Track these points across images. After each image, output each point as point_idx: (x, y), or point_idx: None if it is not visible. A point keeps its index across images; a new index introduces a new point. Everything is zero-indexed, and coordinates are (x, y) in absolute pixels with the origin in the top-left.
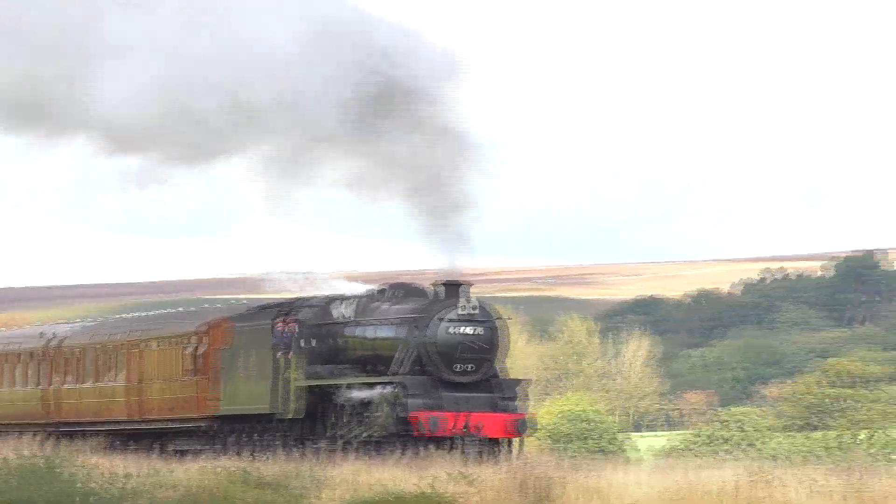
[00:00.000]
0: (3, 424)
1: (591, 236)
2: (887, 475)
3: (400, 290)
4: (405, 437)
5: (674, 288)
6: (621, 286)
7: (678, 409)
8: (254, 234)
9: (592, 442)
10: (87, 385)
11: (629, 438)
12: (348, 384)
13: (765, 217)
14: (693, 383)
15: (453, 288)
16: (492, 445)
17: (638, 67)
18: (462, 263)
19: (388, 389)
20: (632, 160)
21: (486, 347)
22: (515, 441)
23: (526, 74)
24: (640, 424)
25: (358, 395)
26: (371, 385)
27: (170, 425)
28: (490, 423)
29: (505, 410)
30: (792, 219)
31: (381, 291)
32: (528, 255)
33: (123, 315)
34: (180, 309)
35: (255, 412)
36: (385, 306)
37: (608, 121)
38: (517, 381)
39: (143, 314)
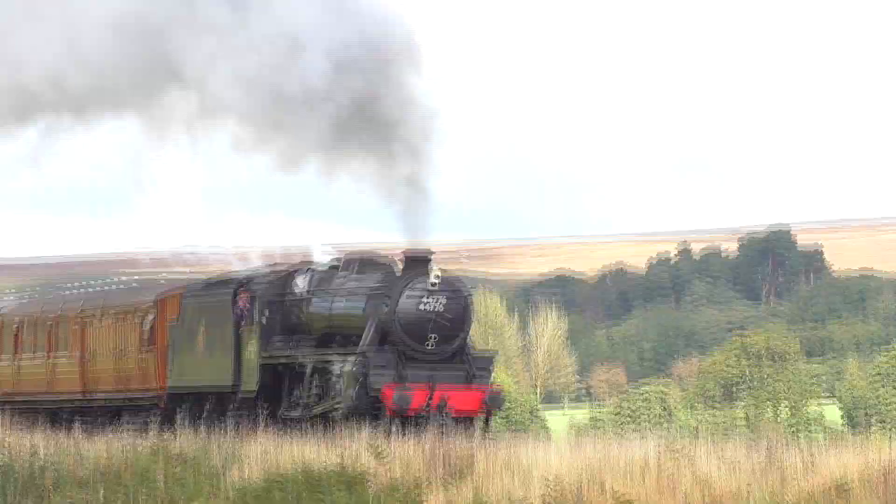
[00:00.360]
0: None
1: (497, 212)
2: (797, 448)
3: (357, 262)
4: (373, 414)
5: (585, 265)
6: (533, 264)
7: (591, 385)
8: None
9: (513, 416)
10: (27, 360)
11: (545, 414)
12: (309, 359)
13: (672, 193)
14: (605, 359)
15: (417, 260)
16: (465, 422)
17: (538, 44)
18: (425, 234)
19: (352, 365)
20: (540, 135)
21: (458, 320)
22: (478, 419)
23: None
24: (556, 400)
25: (321, 369)
26: (334, 360)
27: (115, 401)
28: (463, 399)
29: (477, 386)
30: (698, 195)
31: (339, 263)
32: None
33: (68, 289)
34: (126, 283)
35: (213, 388)
36: (344, 279)
37: (519, 95)
38: (488, 355)
39: (89, 289)
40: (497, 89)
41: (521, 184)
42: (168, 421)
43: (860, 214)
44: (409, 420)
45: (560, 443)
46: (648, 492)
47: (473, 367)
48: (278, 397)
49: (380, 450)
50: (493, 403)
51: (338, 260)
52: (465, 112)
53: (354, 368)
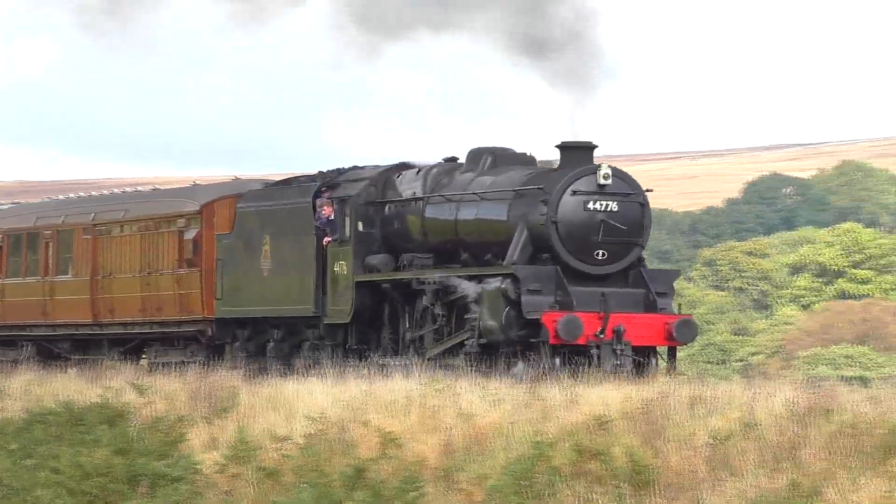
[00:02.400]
0: None
1: None
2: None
3: (488, 156)
4: (525, 345)
5: None
6: None
7: None
8: None
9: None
10: (14, 283)
11: None
12: (433, 278)
13: None
14: None
15: (577, 152)
16: (642, 356)
17: None
18: (586, 117)
19: (499, 283)
20: None
21: (634, 227)
22: (661, 351)
23: None
24: None
25: (457, 290)
26: (468, 279)
27: (139, 333)
28: (644, 327)
29: (659, 310)
30: None
31: (454, 160)
32: None
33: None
34: (151, 188)
35: (287, 314)
36: (475, 178)
37: None
38: (670, 273)
39: (98, 193)
40: None
41: None
42: (215, 355)
43: None
44: (574, 352)
45: (325, 379)
46: (413, 426)
47: (653, 287)
48: (375, 327)
49: (141, 385)
50: (682, 334)
51: (451, 158)
52: None
53: (503, 287)
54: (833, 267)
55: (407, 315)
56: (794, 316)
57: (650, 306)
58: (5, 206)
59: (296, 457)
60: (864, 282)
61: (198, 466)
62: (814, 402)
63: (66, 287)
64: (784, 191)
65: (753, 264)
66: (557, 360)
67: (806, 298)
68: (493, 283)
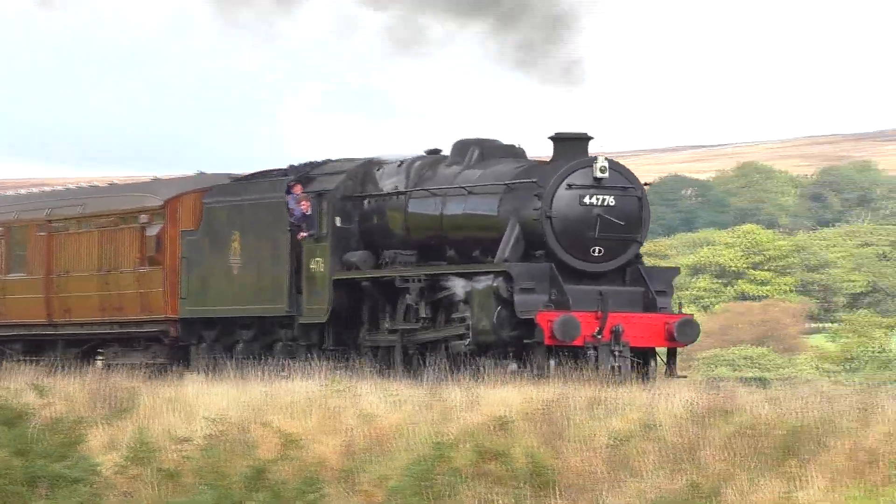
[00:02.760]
0: None
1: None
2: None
3: (475, 148)
4: (518, 346)
5: None
6: None
7: None
8: None
9: None
10: None
11: None
12: (418, 276)
13: None
14: None
15: (571, 144)
16: (641, 357)
17: None
18: (579, 107)
19: (490, 281)
20: None
21: (632, 223)
22: (659, 353)
23: None
24: None
25: (444, 289)
26: (457, 277)
27: (98, 333)
28: (643, 327)
29: (658, 309)
30: None
31: (436, 153)
32: None
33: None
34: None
35: (259, 314)
36: (462, 171)
37: None
38: (669, 270)
39: (53, 189)
40: None
41: None
42: (180, 357)
43: None
44: (569, 354)
45: (226, 381)
46: (314, 428)
47: (651, 285)
48: (353, 326)
49: (41, 386)
50: (683, 334)
51: (433, 151)
52: None
53: (495, 285)
54: (733, 268)
55: (388, 314)
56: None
57: (649, 305)
58: None
59: (196, 458)
60: (764, 283)
61: (97, 468)
62: (713, 403)
63: (19, 286)
64: (684, 192)
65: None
66: (552, 363)
67: (706, 300)
68: (484, 282)
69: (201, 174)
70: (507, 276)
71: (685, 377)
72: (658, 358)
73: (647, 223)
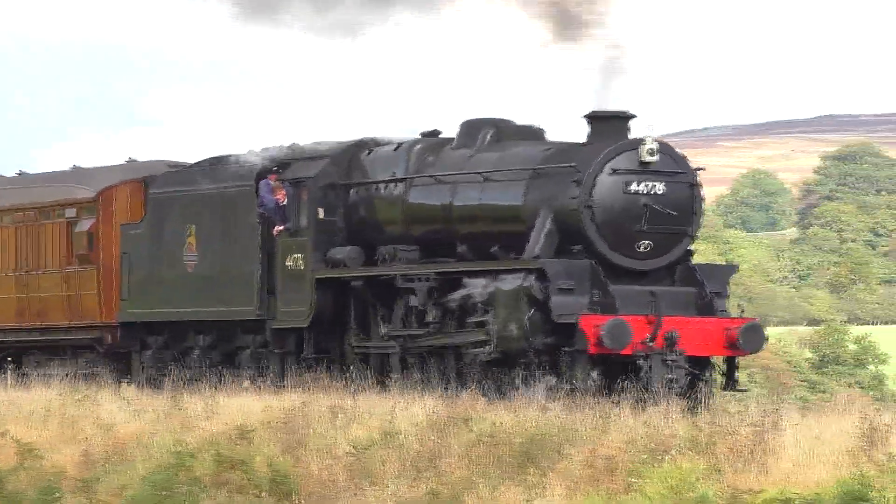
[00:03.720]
0: None
1: None
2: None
3: (489, 129)
4: (552, 355)
5: None
6: None
7: None
8: None
9: None
10: None
11: None
12: (426, 274)
13: None
14: None
15: (610, 123)
16: (697, 368)
17: None
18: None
19: (521, 280)
20: None
21: (684, 213)
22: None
23: None
24: None
25: (459, 289)
26: (487, 274)
27: (16, 341)
28: (701, 333)
29: (714, 313)
30: None
31: (435, 134)
32: None
33: None
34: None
35: (221, 317)
36: (475, 154)
37: None
38: (725, 268)
39: None
40: None
41: None
42: (117, 365)
43: None
44: (617, 363)
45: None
46: (52, 437)
47: (706, 285)
48: (336, 332)
49: None
50: (748, 341)
51: (432, 133)
52: None
53: (526, 285)
54: None
55: (381, 318)
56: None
57: (705, 308)
58: None
59: None
60: None
61: None
62: (453, 411)
63: None
64: None
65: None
66: (597, 374)
67: None
68: (512, 281)
69: (132, 161)
70: (542, 275)
71: (748, 390)
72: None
73: (701, 214)
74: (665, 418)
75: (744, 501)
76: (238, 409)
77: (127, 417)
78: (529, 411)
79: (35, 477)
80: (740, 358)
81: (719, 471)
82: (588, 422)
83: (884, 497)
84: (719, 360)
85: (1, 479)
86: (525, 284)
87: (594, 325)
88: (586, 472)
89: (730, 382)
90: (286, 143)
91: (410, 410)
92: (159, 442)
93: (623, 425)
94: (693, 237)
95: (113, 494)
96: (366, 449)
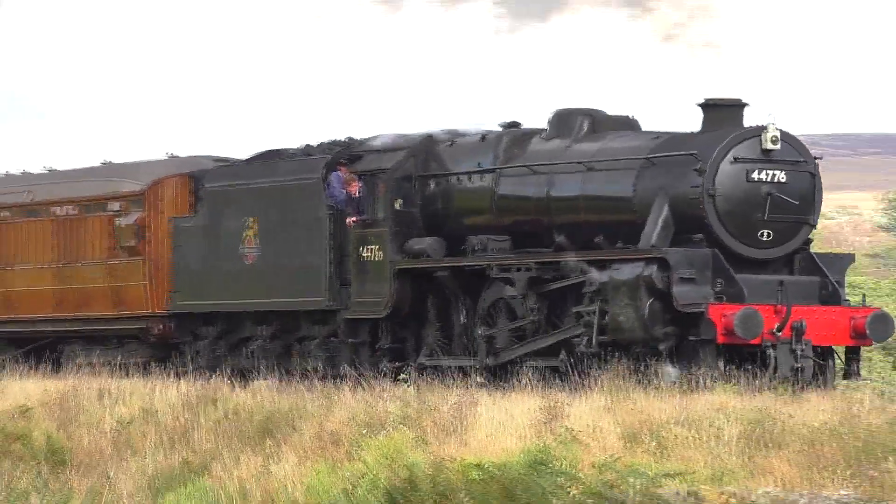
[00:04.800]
0: None
1: None
2: None
3: (585, 120)
4: (675, 343)
5: None
6: None
7: None
8: None
9: None
10: None
11: None
12: (531, 264)
13: None
14: None
15: (725, 111)
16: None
17: None
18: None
19: (640, 270)
20: None
21: (805, 202)
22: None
23: None
24: None
25: (565, 279)
26: (602, 264)
27: (56, 331)
28: (826, 322)
29: (839, 302)
30: None
31: (516, 126)
32: None
33: None
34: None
35: (287, 308)
36: (571, 145)
37: None
38: (844, 257)
39: None
40: None
41: None
42: (166, 355)
43: None
44: (741, 353)
45: None
46: None
47: (826, 274)
48: (413, 323)
49: None
50: (876, 331)
51: (512, 124)
52: None
53: (647, 274)
54: None
55: (463, 308)
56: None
57: (830, 298)
58: None
59: None
60: None
61: None
62: (202, 392)
63: None
64: None
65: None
66: (721, 363)
67: None
68: (630, 270)
69: (173, 156)
70: (663, 264)
71: (869, 380)
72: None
73: (821, 203)
74: (380, 398)
75: (446, 467)
76: (19, 390)
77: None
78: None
79: None
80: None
81: (426, 442)
82: (316, 402)
83: (561, 461)
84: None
85: None
86: (645, 273)
87: (724, 315)
88: (315, 444)
89: (851, 372)
90: (341, 138)
91: (167, 392)
92: None
93: (345, 404)
94: (813, 226)
95: None
96: (128, 425)
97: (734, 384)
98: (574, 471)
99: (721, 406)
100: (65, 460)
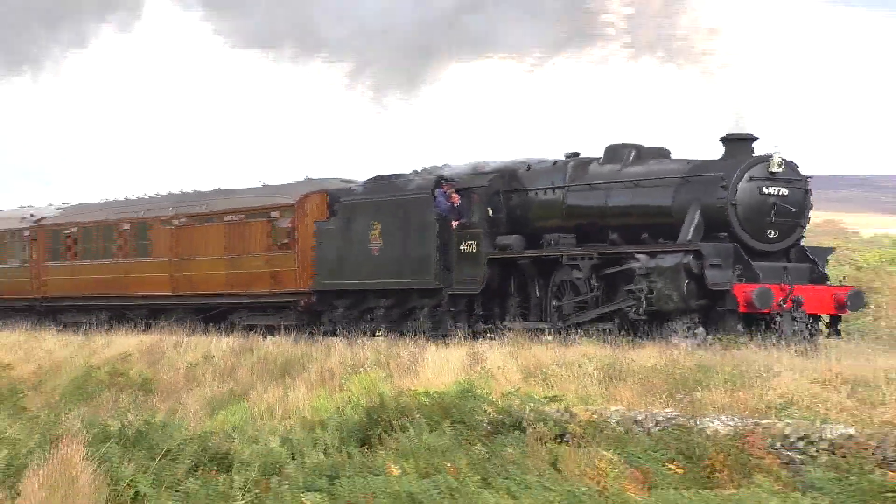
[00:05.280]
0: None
1: None
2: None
3: (632, 150)
4: (703, 313)
5: None
6: None
7: None
8: None
9: None
10: (88, 264)
11: None
12: (590, 254)
13: None
14: None
15: (740, 144)
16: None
17: None
18: (747, 109)
19: (680, 258)
20: None
21: (800, 209)
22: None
23: None
24: None
25: (622, 265)
26: (651, 254)
27: (225, 303)
28: (817, 297)
29: (826, 282)
30: None
31: (575, 156)
32: None
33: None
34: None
35: (402, 286)
36: (622, 168)
37: None
38: (826, 250)
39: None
40: None
41: None
42: (310, 320)
43: None
44: (755, 320)
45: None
46: (17, 359)
47: (813, 261)
48: (498, 297)
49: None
50: (853, 303)
51: (573, 154)
52: None
53: (686, 262)
54: None
55: (537, 286)
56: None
57: (818, 279)
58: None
59: None
60: None
61: None
62: (244, 345)
63: (144, 267)
64: None
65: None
66: (741, 327)
67: None
68: (672, 259)
69: (311, 179)
70: (697, 254)
71: (842, 338)
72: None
73: (811, 210)
74: (361, 349)
75: (405, 394)
76: (123, 343)
77: (60, 347)
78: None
79: (7, 382)
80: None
81: (391, 377)
82: (319, 351)
83: (481, 390)
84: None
85: None
86: (684, 261)
87: (744, 291)
88: (318, 378)
89: (832, 333)
90: (440, 164)
91: (220, 343)
92: (77, 362)
93: (339, 353)
94: (805, 227)
95: (53, 390)
96: (194, 366)
97: (743, 340)
98: (489, 397)
99: (586, 354)
100: (152, 389)
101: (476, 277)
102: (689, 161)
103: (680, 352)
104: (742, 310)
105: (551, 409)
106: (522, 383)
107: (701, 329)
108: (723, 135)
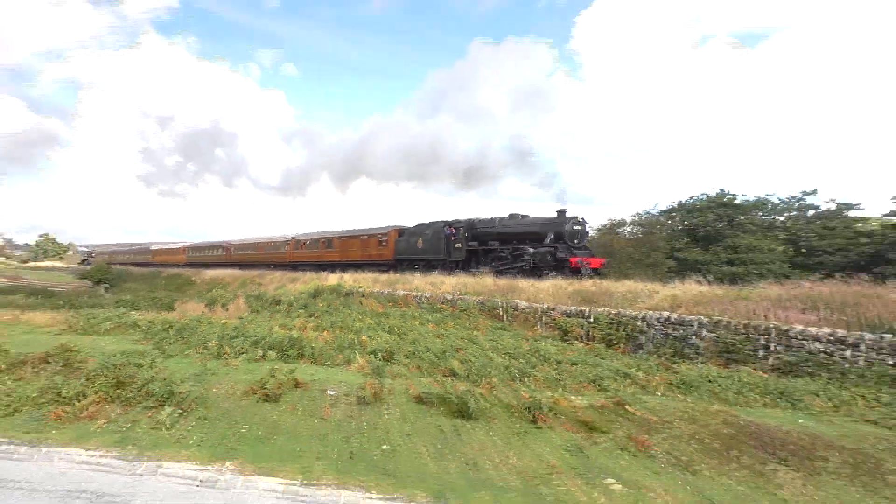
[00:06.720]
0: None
1: None
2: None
3: (520, 215)
4: (557, 269)
5: None
6: None
7: None
8: None
9: None
10: (309, 251)
11: None
12: (511, 246)
13: None
14: None
15: (563, 212)
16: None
17: None
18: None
19: (550, 248)
20: None
21: (584, 234)
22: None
23: None
24: None
25: (513, 251)
26: (529, 246)
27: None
28: (595, 263)
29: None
30: None
31: (491, 219)
32: None
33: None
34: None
35: (430, 258)
36: (518, 220)
37: None
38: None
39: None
40: None
41: None
42: (393, 269)
43: None
44: (579, 271)
45: None
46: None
47: (593, 251)
48: (468, 264)
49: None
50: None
51: (503, 219)
52: None
53: (550, 250)
54: None
55: (483, 259)
56: None
57: (594, 255)
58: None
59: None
60: None
61: None
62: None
63: (330, 255)
64: None
65: None
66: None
67: None
68: (544, 248)
69: (393, 224)
70: (554, 248)
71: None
72: None
73: (588, 233)
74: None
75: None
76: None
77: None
78: None
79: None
80: None
81: (395, 283)
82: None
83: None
84: None
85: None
86: (549, 250)
87: (574, 260)
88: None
89: (594, 274)
90: (447, 219)
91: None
92: None
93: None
94: (586, 239)
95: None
96: None
97: None
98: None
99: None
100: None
101: (461, 256)
102: (547, 217)
103: (538, 281)
104: (573, 267)
105: (448, 296)
106: (456, 289)
107: (554, 273)
108: (557, 207)
